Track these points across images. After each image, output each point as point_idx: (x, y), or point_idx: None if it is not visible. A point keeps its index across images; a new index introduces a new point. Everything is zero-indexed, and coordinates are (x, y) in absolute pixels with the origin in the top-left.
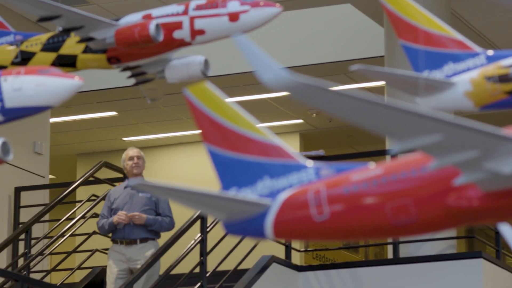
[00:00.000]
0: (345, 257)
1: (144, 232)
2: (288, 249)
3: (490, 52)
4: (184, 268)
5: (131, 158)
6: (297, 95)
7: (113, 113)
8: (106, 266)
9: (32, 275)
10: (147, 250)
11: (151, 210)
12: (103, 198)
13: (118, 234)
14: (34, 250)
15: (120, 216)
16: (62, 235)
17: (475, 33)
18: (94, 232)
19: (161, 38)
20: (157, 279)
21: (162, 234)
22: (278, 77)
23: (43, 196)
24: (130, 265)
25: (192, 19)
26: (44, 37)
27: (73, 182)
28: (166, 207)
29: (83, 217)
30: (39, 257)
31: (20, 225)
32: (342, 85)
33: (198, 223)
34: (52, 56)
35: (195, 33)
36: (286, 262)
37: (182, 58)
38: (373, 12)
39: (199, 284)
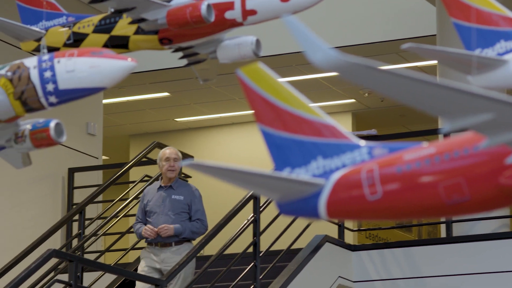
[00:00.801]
0: (398, 236)
1: (175, 238)
2: (341, 228)
3: None
4: (237, 248)
5: (167, 159)
6: (347, 75)
7: (166, 94)
8: None
9: (86, 256)
10: (182, 252)
11: (185, 213)
12: (156, 179)
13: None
14: (88, 231)
15: (147, 231)
16: (116, 215)
17: None
18: None
19: (212, 18)
20: (192, 279)
21: (213, 216)
22: (327, 57)
23: (97, 177)
24: (162, 266)
25: None
26: (96, 18)
27: (126, 163)
28: (199, 210)
29: (136, 197)
30: (93, 238)
31: (74, 206)
32: (394, 65)
33: (251, 203)
34: (104, 37)
35: (246, 13)
36: (339, 242)
37: (234, 38)
38: None
39: (252, 264)
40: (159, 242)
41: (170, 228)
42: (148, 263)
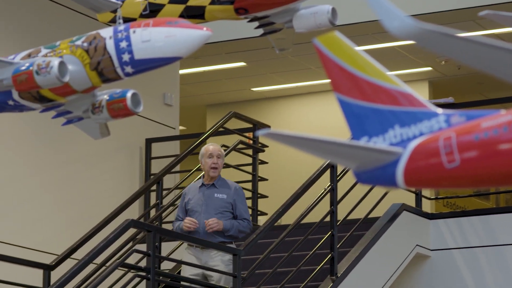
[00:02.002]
0: (476, 204)
1: (221, 236)
2: (419, 197)
3: None
4: (314, 217)
5: (210, 156)
6: (424, 42)
7: (242, 63)
8: None
9: (164, 226)
10: (224, 255)
11: (228, 212)
12: (233, 149)
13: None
14: (165, 201)
15: (186, 223)
16: None
17: None
18: None
19: None
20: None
21: (290, 186)
22: (404, 25)
23: (174, 147)
24: (205, 271)
25: None
26: None
27: (203, 133)
28: (243, 208)
29: None
30: (171, 208)
31: (152, 176)
32: (471, 32)
33: (328, 172)
34: (180, 7)
35: None
36: (417, 210)
37: (309, 7)
38: None
39: (329, 233)
40: (201, 244)
41: (219, 223)
42: (190, 271)
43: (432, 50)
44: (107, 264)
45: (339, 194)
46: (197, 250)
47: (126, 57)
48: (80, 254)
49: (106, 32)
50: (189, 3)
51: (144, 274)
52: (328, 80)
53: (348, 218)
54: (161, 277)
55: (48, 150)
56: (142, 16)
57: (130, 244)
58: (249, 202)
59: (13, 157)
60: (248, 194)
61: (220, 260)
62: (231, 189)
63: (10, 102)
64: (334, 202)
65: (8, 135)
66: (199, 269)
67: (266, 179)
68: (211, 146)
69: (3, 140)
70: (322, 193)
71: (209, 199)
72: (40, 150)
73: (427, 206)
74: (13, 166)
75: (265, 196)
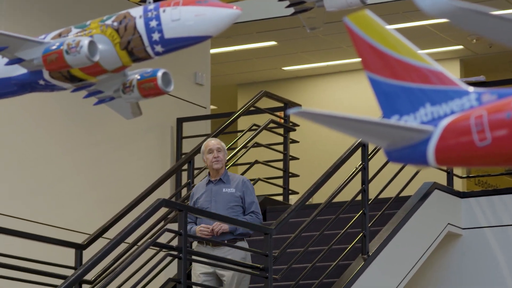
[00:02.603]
0: (508, 182)
1: (231, 235)
2: (450, 175)
3: None
4: (345, 196)
5: (210, 151)
6: (456, 20)
7: (273, 42)
8: (268, 195)
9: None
10: (237, 254)
11: (238, 207)
12: (265, 127)
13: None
14: (197, 180)
15: (202, 232)
16: (225, 164)
17: None
18: (256, 162)
19: None
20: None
21: (321, 164)
22: (436, 3)
23: (205, 127)
24: (216, 269)
25: None
26: None
27: (234, 112)
28: (253, 202)
29: (244, 146)
30: None
31: (183, 156)
32: (503, 10)
33: (359, 151)
34: None
35: None
36: (448, 189)
37: None
38: None
39: (361, 212)
40: (211, 241)
41: (223, 224)
42: (201, 270)
43: (464, 28)
44: (139, 244)
45: (371, 173)
46: (208, 248)
47: (156, 36)
48: (112, 233)
49: (136, 11)
50: None
51: (175, 253)
52: (359, 59)
53: (380, 196)
54: (192, 256)
55: (80, 130)
56: None
57: (162, 223)
58: (280, 181)
59: (44, 137)
60: (280, 173)
61: (232, 258)
62: (238, 182)
63: (41, 82)
64: (365, 181)
65: (40, 115)
66: (211, 268)
67: (297, 158)
68: (211, 141)
69: (35, 120)
70: (354, 172)
71: (218, 194)
72: (71, 130)
73: (459, 184)
74: (45, 146)
75: (296, 175)
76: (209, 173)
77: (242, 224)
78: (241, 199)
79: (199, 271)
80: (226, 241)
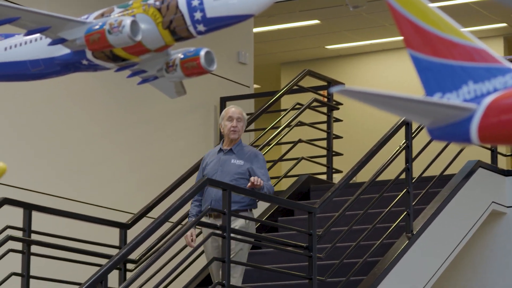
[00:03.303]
0: None
1: (235, 203)
2: (494, 153)
3: None
4: (389, 174)
5: (230, 119)
6: None
7: (316, 21)
8: (311, 174)
9: None
10: (238, 223)
11: (243, 179)
12: (308, 106)
13: (206, 204)
14: None
15: (187, 237)
16: (268, 143)
17: None
18: (300, 141)
19: None
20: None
21: (365, 143)
22: None
23: (248, 106)
24: (216, 239)
25: None
26: None
27: (277, 91)
28: (262, 172)
29: (288, 125)
30: None
31: None
32: None
33: (403, 129)
34: None
35: None
36: (493, 167)
37: None
38: None
39: (405, 190)
40: (213, 212)
41: (260, 180)
42: (208, 243)
43: (508, 5)
44: (183, 223)
45: (414, 151)
46: (211, 220)
47: (198, 15)
48: (156, 212)
49: None
50: None
51: (219, 232)
52: (401, 37)
53: (423, 175)
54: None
55: (123, 110)
56: None
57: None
58: (324, 160)
59: (87, 118)
60: (323, 152)
61: (237, 227)
62: (249, 155)
63: (84, 62)
64: (409, 159)
65: (82, 95)
66: (216, 242)
67: (341, 137)
68: (232, 108)
69: (78, 101)
70: (397, 151)
71: (225, 164)
72: (114, 110)
73: (503, 162)
74: (88, 126)
75: (340, 154)
76: (223, 140)
77: (266, 199)
78: (248, 172)
79: (208, 245)
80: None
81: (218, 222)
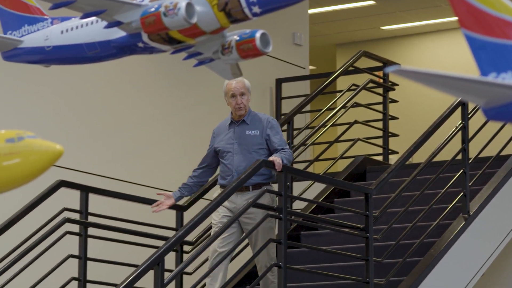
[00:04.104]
0: None
1: (257, 176)
2: None
3: None
4: (446, 155)
5: (233, 96)
6: None
7: (371, 2)
8: (367, 155)
9: (295, 165)
10: (265, 199)
11: (262, 150)
12: (364, 87)
13: (225, 179)
14: (296, 141)
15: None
16: (324, 125)
17: None
18: (356, 122)
19: None
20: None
21: (421, 124)
22: None
23: (304, 87)
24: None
25: None
26: None
27: (333, 72)
28: (279, 138)
29: (343, 106)
30: (302, 148)
31: (282, 116)
32: None
33: (459, 109)
34: None
35: None
36: None
37: None
38: None
39: (461, 171)
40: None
41: (278, 159)
42: (221, 217)
43: None
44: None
45: (471, 132)
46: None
47: None
48: (212, 194)
49: None
50: None
51: (276, 213)
52: (456, 17)
53: (480, 155)
54: (293, 217)
55: (178, 93)
56: None
57: None
58: (379, 141)
59: (143, 100)
60: (379, 133)
61: (253, 208)
62: (263, 123)
63: (140, 45)
64: (465, 140)
65: (138, 78)
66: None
67: (397, 118)
68: (234, 83)
69: (133, 83)
70: (454, 131)
71: (241, 137)
72: (169, 92)
73: None
74: (144, 109)
75: (396, 135)
76: (231, 112)
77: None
78: (266, 141)
79: (217, 219)
80: (250, 187)
81: (238, 199)
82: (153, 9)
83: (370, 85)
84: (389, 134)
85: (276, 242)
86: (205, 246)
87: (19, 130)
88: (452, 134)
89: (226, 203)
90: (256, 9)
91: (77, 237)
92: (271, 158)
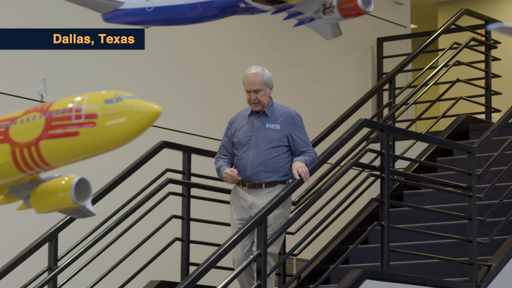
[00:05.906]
0: None
1: (272, 174)
2: None
3: None
4: None
5: (247, 92)
6: None
7: None
8: (469, 113)
9: (397, 125)
10: (272, 196)
11: (281, 147)
12: (465, 46)
13: (240, 174)
14: (398, 100)
15: (227, 179)
16: (426, 84)
17: None
18: (458, 80)
19: None
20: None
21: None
22: None
23: (406, 46)
24: (251, 213)
25: None
26: None
27: (434, 31)
28: (303, 139)
29: (445, 65)
30: (404, 107)
31: (384, 76)
32: None
33: None
34: None
35: None
36: None
37: None
38: None
39: None
40: (247, 182)
41: (304, 167)
42: (238, 215)
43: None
44: (341, 164)
45: None
46: (243, 190)
47: None
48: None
49: None
50: None
51: (378, 173)
52: None
53: None
54: (395, 176)
55: (278, 53)
56: None
57: (364, 143)
58: (482, 100)
59: (243, 61)
60: (481, 91)
61: (267, 201)
62: (285, 117)
63: (242, 5)
64: None
65: (238, 39)
66: (246, 213)
67: (499, 76)
68: (251, 76)
69: (233, 44)
70: None
71: (259, 130)
72: (270, 53)
73: None
74: (244, 70)
75: (499, 93)
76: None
77: None
78: (286, 137)
79: (234, 215)
80: (264, 185)
81: (251, 196)
82: None
83: (472, 43)
84: (492, 92)
85: (378, 202)
86: (308, 205)
87: (117, 91)
88: None
89: (237, 199)
90: None
91: (179, 198)
92: (294, 165)
